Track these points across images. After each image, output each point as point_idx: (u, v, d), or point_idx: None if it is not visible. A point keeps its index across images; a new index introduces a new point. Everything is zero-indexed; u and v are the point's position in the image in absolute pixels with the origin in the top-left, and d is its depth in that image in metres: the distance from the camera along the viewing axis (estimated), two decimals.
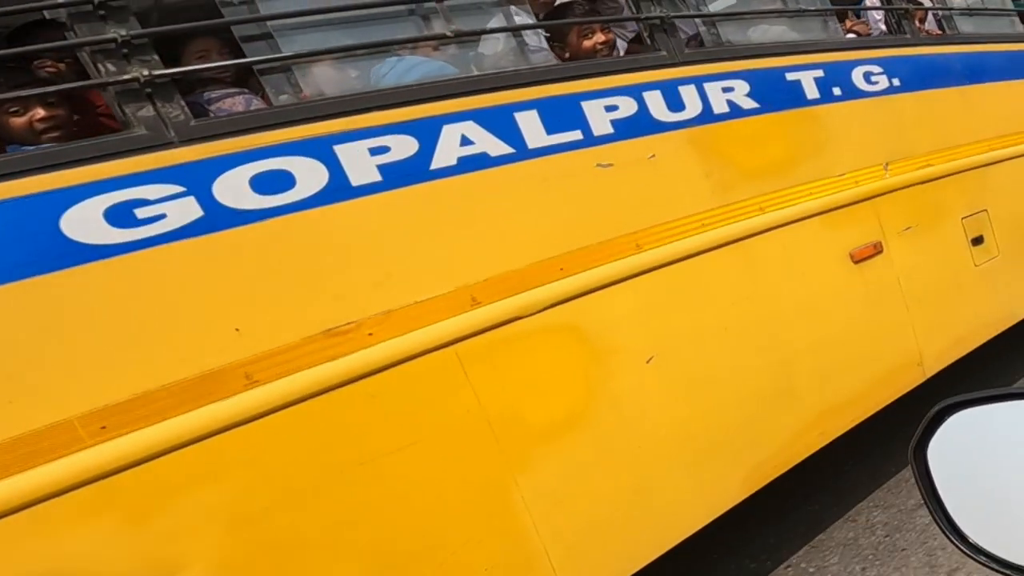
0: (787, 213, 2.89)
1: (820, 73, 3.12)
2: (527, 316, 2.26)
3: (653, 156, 2.57)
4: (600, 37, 2.67)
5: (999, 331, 3.69)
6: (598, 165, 2.44)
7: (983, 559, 0.73)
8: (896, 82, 3.43)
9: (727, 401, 2.68)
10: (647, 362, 2.50)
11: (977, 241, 3.62)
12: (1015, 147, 3.91)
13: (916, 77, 3.55)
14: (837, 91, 3.18)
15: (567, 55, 2.68)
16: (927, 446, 0.77)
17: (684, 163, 2.65)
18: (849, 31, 3.56)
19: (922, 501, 0.79)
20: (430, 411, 2.11)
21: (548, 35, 2.66)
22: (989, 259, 3.67)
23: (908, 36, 3.60)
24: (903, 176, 3.34)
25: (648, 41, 2.71)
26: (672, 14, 2.71)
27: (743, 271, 2.76)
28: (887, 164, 3.30)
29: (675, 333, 2.57)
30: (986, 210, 3.70)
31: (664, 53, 2.69)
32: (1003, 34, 4.22)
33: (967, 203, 3.63)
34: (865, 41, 3.49)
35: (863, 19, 3.61)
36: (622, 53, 3.00)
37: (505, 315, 2.22)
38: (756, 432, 2.75)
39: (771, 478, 2.79)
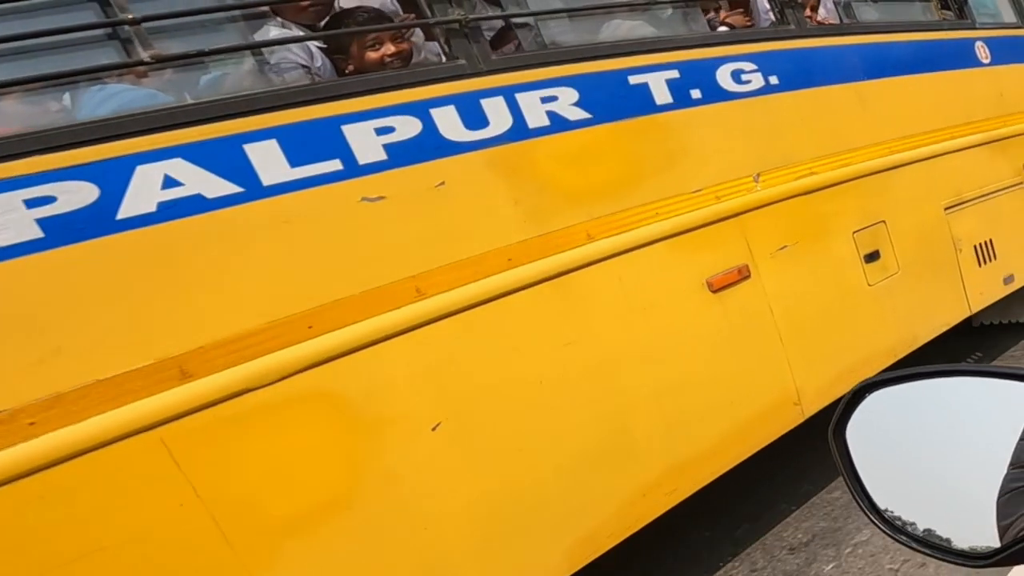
0: (624, 239, 2.51)
1: (674, 74, 2.72)
2: (261, 387, 1.88)
3: (442, 184, 2.18)
4: (390, 48, 2.27)
5: (899, 357, 3.32)
6: (364, 199, 2.05)
7: (903, 538, 0.72)
8: (774, 80, 3.03)
9: (543, 466, 2.32)
10: (432, 429, 2.13)
11: (872, 257, 3.25)
12: (920, 149, 3.52)
13: (800, 73, 3.15)
14: (696, 94, 2.78)
15: (351, 69, 2.28)
16: (846, 427, 0.78)
17: (484, 189, 2.27)
18: (723, 23, 3.15)
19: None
20: (126, 509, 1.74)
21: (324, 47, 2.26)
22: (886, 277, 3.30)
23: (792, 27, 3.19)
24: (778, 188, 2.96)
25: (444, 48, 2.31)
26: (472, 16, 2.30)
27: (565, 311, 2.38)
28: (758, 175, 2.91)
29: (471, 392, 2.19)
30: (884, 221, 3.32)
31: (463, 61, 2.28)
32: (913, 22, 3.81)
33: (860, 214, 3.24)
34: (735, 35, 3.07)
35: (741, 10, 3.19)
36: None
37: (229, 388, 1.84)
38: (583, 498, 2.38)
39: (606, 548, 2.43)
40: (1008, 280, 3.82)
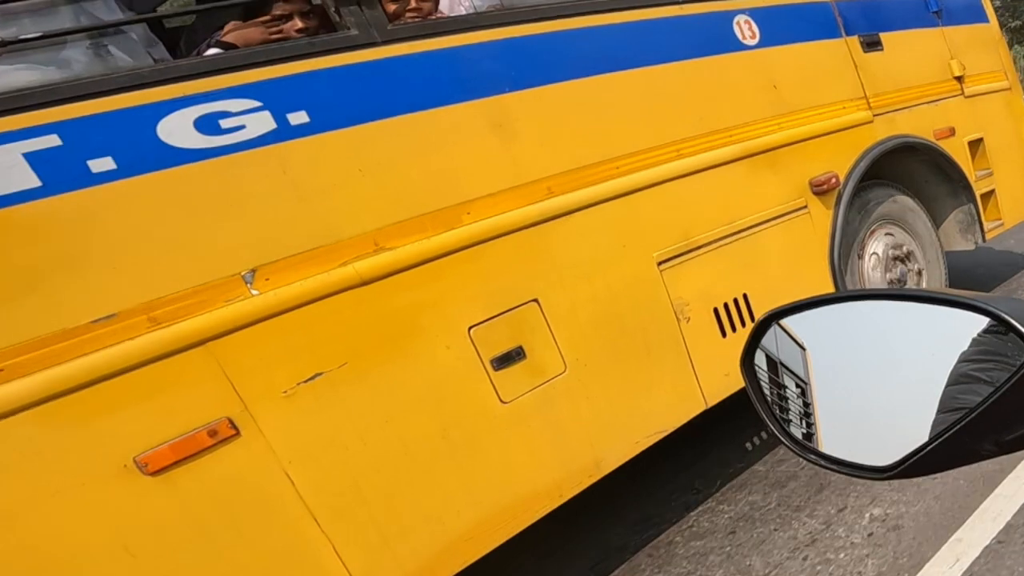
0: None
1: (53, 141, 1.71)
2: None
3: None
4: None
5: (567, 497, 2.27)
6: None
7: (812, 457, 0.75)
8: (299, 119, 2.00)
9: None
10: None
11: (508, 359, 2.20)
12: (608, 184, 2.44)
13: (358, 101, 2.11)
14: (104, 165, 1.76)
15: None
16: (754, 356, 0.79)
17: None
18: (220, 43, 2.10)
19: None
20: None
21: None
22: (539, 384, 2.24)
23: (354, 33, 2.14)
24: (299, 285, 1.93)
25: None
26: None
27: None
28: (252, 273, 1.89)
29: None
30: (536, 300, 2.27)
31: None
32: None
33: (484, 298, 2.20)
34: (213, 62, 2.00)
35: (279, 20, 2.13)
36: None
37: None
38: None
39: None
40: None
